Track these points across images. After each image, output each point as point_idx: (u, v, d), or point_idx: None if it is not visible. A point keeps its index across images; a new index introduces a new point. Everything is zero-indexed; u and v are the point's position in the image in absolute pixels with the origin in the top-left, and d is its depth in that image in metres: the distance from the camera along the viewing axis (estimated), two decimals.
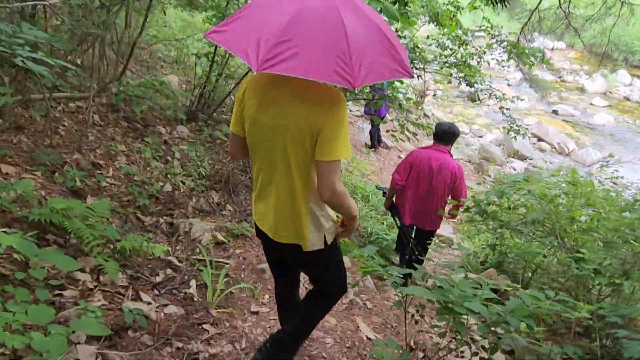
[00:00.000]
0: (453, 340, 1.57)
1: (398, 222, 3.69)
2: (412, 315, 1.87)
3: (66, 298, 2.09)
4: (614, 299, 2.77)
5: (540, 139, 11.27)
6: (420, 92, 11.38)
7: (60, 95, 3.77)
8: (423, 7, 3.73)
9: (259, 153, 1.65)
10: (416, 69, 4.54)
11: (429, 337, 2.67)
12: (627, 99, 14.16)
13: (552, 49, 17.47)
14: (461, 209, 3.63)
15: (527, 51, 4.01)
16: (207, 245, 2.91)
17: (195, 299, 2.44)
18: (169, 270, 2.63)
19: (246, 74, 5.35)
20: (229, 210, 3.83)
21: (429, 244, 3.59)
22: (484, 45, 4.24)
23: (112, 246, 2.53)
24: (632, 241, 2.73)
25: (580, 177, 3.44)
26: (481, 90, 4.50)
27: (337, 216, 1.79)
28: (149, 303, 2.26)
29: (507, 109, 4.76)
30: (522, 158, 10.39)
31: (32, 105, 3.52)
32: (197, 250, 2.89)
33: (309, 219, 1.66)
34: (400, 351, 1.63)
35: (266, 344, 1.95)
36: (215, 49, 5.00)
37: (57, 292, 2.10)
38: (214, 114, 5.37)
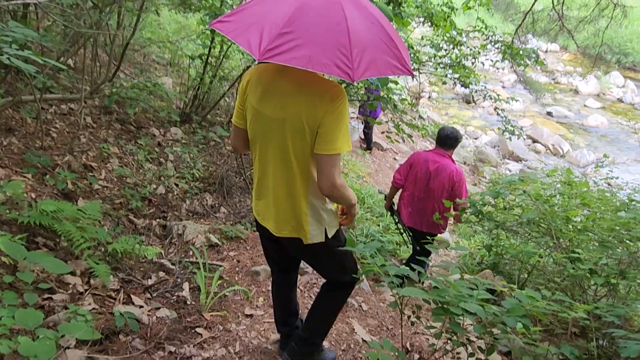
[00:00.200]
0: (449, 342, 1.55)
1: (397, 221, 3.70)
2: (408, 317, 1.84)
3: (55, 302, 2.05)
4: (610, 299, 2.76)
5: (535, 141, 11.31)
6: (416, 94, 11.40)
7: (51, 97, 3.73)
8: (417, 8, 3.72)
9: (259, 145, 1.66)
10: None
11: (425, 339, 2.64)
12: (620, 100, 14.25)
13: (546, 51, 17.57)
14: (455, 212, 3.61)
15: (521, 52, 4.02)
16: (200, 248, 2.87)
17: (188, 302, 2.40)
18: (161, 273, 2.60)
19: (242, 73, 5.33)
20: (223, 213, 3.80)
21: (425, 244, 3.56)
22: (479, 46, 4.24)
23: (103, 249, 2.49)
24: (627, 241, 2.72)
25: (575, 178, 3.44)
26: (476, 91, 4.50)
27: (336, 206, 1.79)
28: (141, 306, 2.23)
29: (502, 110, 4.77)
30: (517, 159, 10.42)
31: (22, 107, 3.48)
32: (191, 253, 2.86)
33: (309, 212, 1.67)
34: (396, 353, 1.61)
35: (292, 342, 2.00)
36: (209, 51, 4.97)
37: (46, 295, 2.07)
38: (208, 116, 5.34)
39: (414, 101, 10.81)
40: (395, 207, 3.74)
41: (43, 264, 1.93)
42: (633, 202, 3.17)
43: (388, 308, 2.90)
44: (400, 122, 4.33)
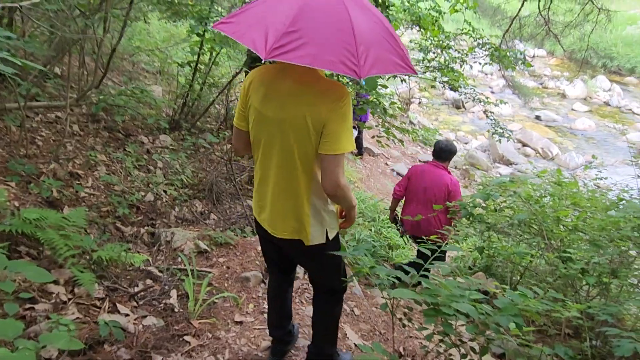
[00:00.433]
0: (442, 344, 1.52)
1: (401, 230, 3.94)
2: (400, 319, 1.81)
3: (38, 311, 1.99)
4: (602, 299, 2.75)
5: (524, 144, 11.41)
6: (406, 99, 11.47)
7: (36, 105, 3.67)
8: (404, 11, 3.74)
9: (262, 146, 1.64)
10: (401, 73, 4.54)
11: (418, 343, 2.61)
12: (607, 104, 14.45)
13: (534, 56, 17.80)
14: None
15: (508, 54, 4.05)
16: (189, 255, 2.82)
17: (176, 310, 2.35)
18: (148, 281, 2.54)
19: (231, 80, 5.31)
20: (213, 219, 3.75)
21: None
22: (467, 49, 4.27)
23: (88, 257, 2.43)
24: (618, 240, 2.72)
25: (565, 179, 3.45)
26: (465, 94, 4.52)
27: (336, 207, 1.79)
28: (127, 315, 2.17)
29: (492, 112, 4.80)
30: (508, 163, 10.49)
31: (6, 115, 3.42)
32: (179, 260, 2.80)
33: (311, 212, 1.66)
34: (387, 357, 1.57)
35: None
36: (198, 58, 4.95)
37: (28, 305, 2.01)
38: (198, 123, 5.30)
39: (404, 107, 10.87)
40: (399, 218, 3.95)
41: (25, 273, 1.87)
42: (622, 202, 3.19)
43: (381, 312, 2.86)
44: (390, 126, 4.34)
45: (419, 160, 9.23)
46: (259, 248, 3.11)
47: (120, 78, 5.87)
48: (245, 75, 5.51)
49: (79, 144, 3.93)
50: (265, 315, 2.44)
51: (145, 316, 2.22)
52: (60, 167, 3.40)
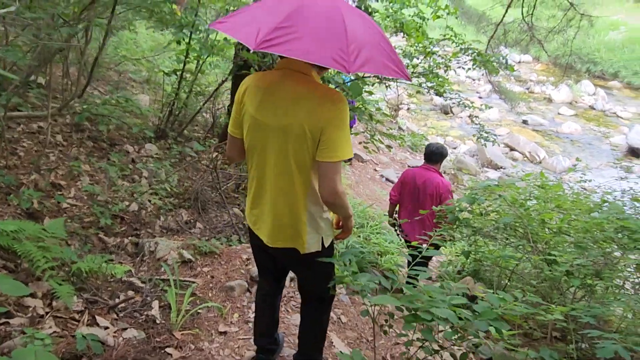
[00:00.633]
0: (421, 350, 1.51)
1: (398, 233, 4.00)
2: (381, 326, 1.79)
3: (13, 326, 1.93)
4: (588, 301, 2.75)
5: (512, 149, 11.51)
6: (395, 105, 11.53)
7: (16, 115, 3.62)
8: (387, 18, 3.77)
9: (257, 153, 1.63)
10: (387, 80, 4.57)
11: (405, 350, 2.59)
12: (592, 107, 14.67)
13: (519, 62, 18.04)
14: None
15: (491, 58, 4.10)
16: (172, 265, 2.78)
17: (157, 321, 2.30)
18: (130, 292, 2.49)
19: (217, 87, 5.29)
20: (199, 228, 3.71)
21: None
22: (450, 54, 4.31)
23: (67, 269, 2.38)
24: (601, 241, 2.74)
25: (550, 182, 3.47)
26: (451, 99, 4.56)
27: (332, 216, 1.77)
28: (106, 327, 2.12)
29: (477, 117, 4.84)
30: (496, 167, 10.57)
31: None
32: (162, 270, 2.76)
33: (307, 220, 1.64)
34: None
35: None
36: (184, 66, 4.93)
37: (3, 320, 1.95)
38: (185, 131, 5.27)
39: (393, 113, 10.92)
40: (397, 222, 4.01)
41: (0, 286, 1.83)
42: (606, 204, 3.21)
43: (368, 320, 2.84)
44: (375, 132, 4.34)
45: (408, 166, 9.26)
46: (244, 256, 3.08)
47: (106, 87, 5.82)
48: (232, 83, 5.51)
49: (61, 154, 3.87)
50: (251, 325, 2.41)
51: (126, 328, 2.17)
52: (42, 177, 3.34)
